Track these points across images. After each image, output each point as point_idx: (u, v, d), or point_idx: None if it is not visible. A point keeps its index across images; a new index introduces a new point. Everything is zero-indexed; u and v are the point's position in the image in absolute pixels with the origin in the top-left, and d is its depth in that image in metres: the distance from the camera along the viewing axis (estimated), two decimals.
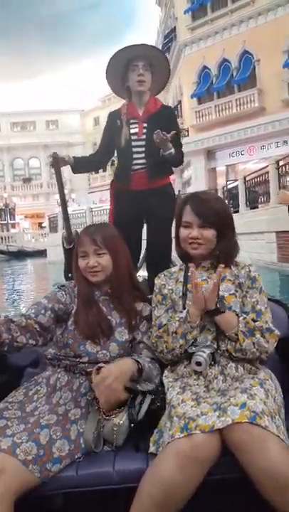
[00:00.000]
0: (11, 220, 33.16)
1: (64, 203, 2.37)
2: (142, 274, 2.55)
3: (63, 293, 1.51)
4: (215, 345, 1.38)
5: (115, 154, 2.41)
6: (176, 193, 2.61)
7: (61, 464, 1.25)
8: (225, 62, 18.35)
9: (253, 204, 12.61)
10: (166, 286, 1.54)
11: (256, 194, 12.40)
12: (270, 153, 15.83)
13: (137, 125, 2.27)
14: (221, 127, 18.05)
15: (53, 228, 20.64)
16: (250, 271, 1.49)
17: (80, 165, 2.39)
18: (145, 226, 2.40)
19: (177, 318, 1.40)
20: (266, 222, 10.02)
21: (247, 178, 12.88)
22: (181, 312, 1.42)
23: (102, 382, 1.27)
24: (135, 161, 2.26)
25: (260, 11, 16.75)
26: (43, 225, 30.25)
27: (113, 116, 2.36)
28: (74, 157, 2.35)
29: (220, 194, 13.83)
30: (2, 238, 28.57)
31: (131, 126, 2.26)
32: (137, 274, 2.25)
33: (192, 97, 19.27)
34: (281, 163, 10.67)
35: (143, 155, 2.25)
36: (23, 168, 37.69)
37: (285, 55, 16.10)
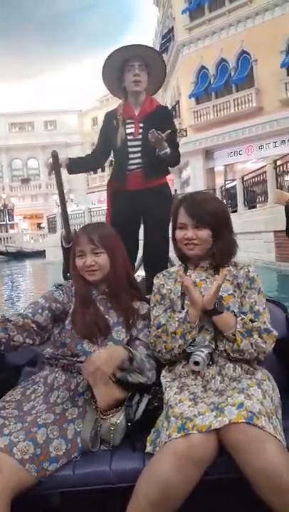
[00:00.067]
0: (9, 220, 33.13)
1: (63, 203, 2.36)
2: (141, 274, 2.55)
3: (61, 292, 1.52)
4: (213, 345, 1.38)
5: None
6: (173, 193, 2.61)
7: (58, 463, 1.25)
8: (223, 62, 18.36)
9: (251, 204, 12.64)
10: (165, 286, 1.54)
11: (254, 194, 12.43)
12: (268, 153, 15.84)
13: (132, 125, 2.27)
14: (219, 127, 18.05)
15: (52, 229, 20.64)
16: (249, 271, 1.49)
17: (75, 165, 2.38)
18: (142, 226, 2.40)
19: (176, 319, 1.40)
20: (264, 222, 10.03)
21: (245, 178, 12.90)
22: (180, 312, 1.42)
23: (91, 365, 1.27)
24: (131, 161, 2.26)
25: (257, 11, 16.75)
26: (42, 225, 30.30)
27: (109, 117, 2.36)
28: (69, 158, 2.35)
29: (218, 194, 13.87)
30: (1, 239, 28.58)
31: (127, 126, 2.26)
32: (136, 275, 2.25)
33: (190, 97, 19.27)
34: (279, 162, 10.69)
35: (139, 155, 2.25)
36: (21, 169, 37.66)
37: (283, 55, 16.12)
